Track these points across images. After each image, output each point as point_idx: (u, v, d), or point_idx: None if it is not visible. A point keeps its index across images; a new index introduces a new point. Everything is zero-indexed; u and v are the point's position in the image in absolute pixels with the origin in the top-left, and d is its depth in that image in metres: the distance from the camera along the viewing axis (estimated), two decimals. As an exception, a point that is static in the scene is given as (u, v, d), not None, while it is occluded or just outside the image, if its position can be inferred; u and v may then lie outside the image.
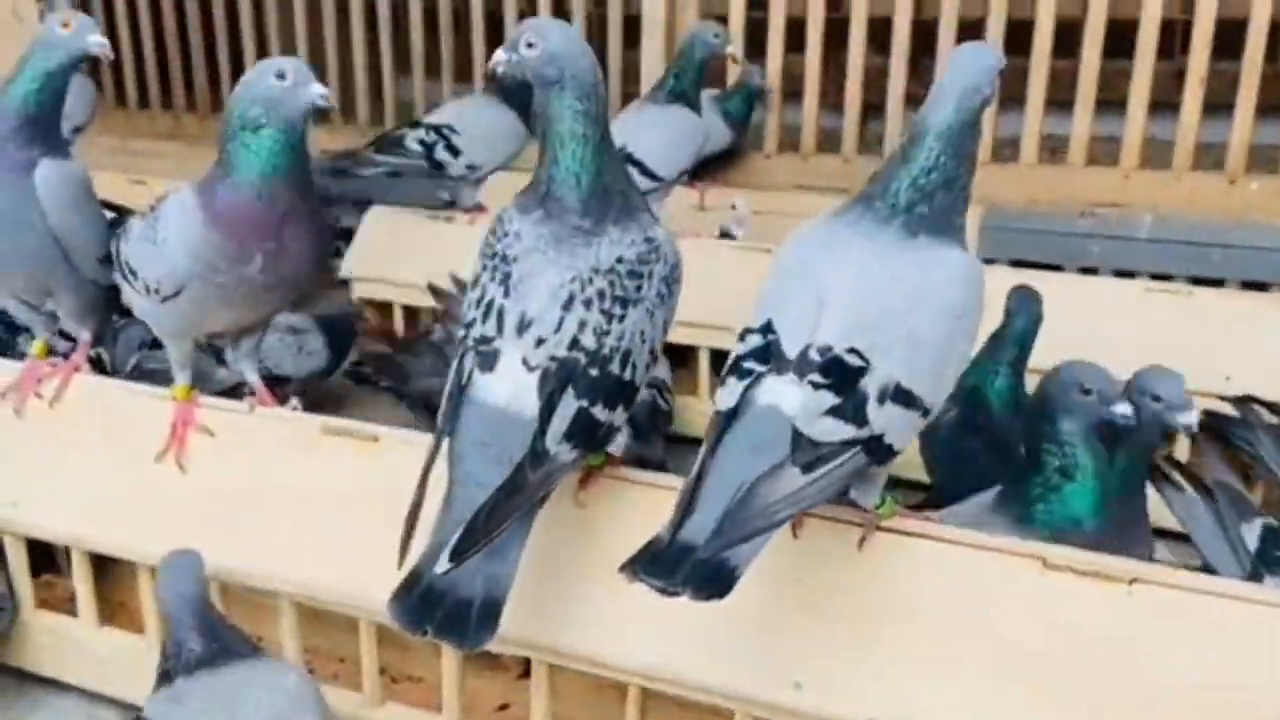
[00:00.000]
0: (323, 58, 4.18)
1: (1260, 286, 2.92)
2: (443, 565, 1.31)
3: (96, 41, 1.82)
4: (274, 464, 1.75)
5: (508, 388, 1.42)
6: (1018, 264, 3.03)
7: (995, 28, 3.38)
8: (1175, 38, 3.65)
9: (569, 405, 1.41)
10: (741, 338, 1.39)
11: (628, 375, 1.46)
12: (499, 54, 1.49)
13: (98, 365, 2.14)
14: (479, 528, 1.31)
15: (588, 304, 1.44)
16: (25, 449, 1.87)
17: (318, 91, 1.63)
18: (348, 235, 3.05)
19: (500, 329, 1.45)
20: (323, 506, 1.70)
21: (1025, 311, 2.04)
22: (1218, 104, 3.15)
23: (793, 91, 3.71)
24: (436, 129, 2.89)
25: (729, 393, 1.34)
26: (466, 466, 1.40)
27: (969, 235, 3.00)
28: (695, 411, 2.63)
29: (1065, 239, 3.03)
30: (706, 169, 3.30)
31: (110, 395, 1.89)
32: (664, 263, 1.51)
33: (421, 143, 2.87)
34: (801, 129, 3.65)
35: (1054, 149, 3.62)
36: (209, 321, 1.80)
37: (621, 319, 1.45)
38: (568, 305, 1.44)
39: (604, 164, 1.49)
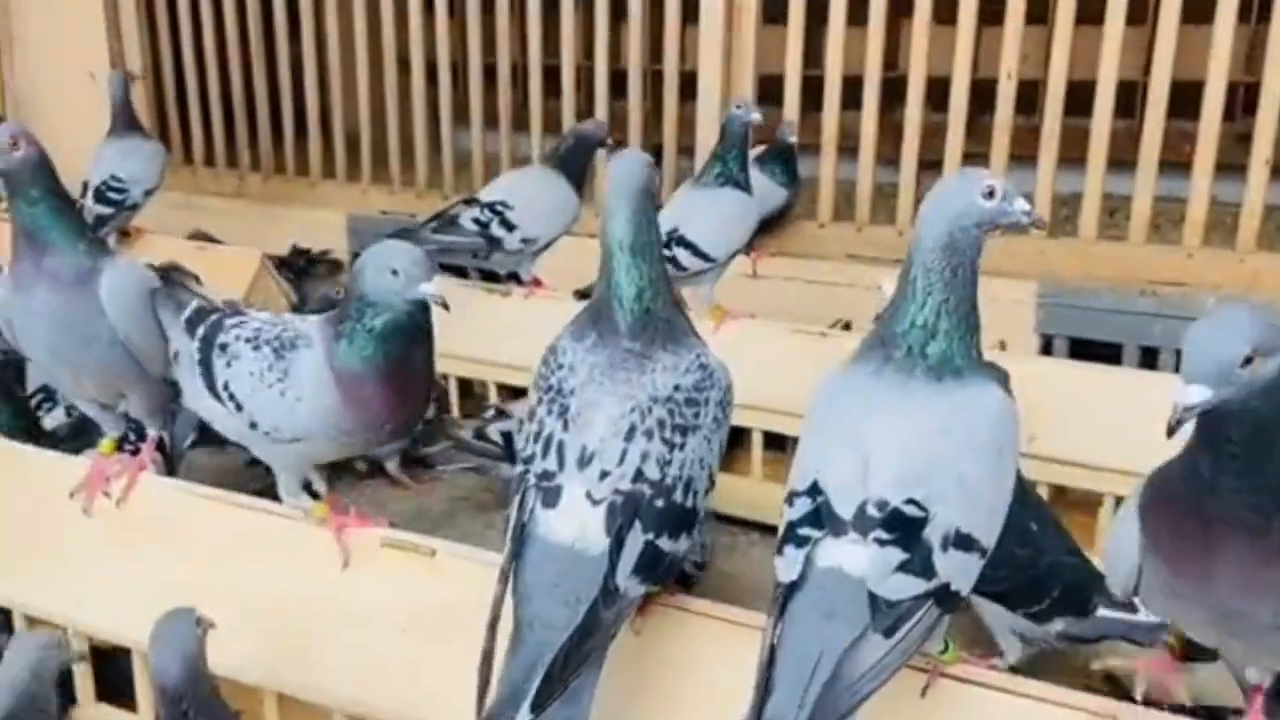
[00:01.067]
0: (383, 111, 4.21)
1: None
2: (524, 717, 1.29)
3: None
4: (332, 573, 1.74)
5: (573, 524, 1.40)
6: (1076, 342, 2.97)
7: (1055, 88, 3.31)
8: (1238, 98, 3.56)
9: (637, 539, 1.39)
10: (789, 501, 1.35)
11: (690, 503, 1.44)
12: None
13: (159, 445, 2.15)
14: (557, 675, 1.30)
15: (649, 434, 1.43)
16: (90, 548, 1.88)
17: (428, 290, 1.60)
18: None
19: (561, 463, 1.43)
20: (379, 619, 1.69)
21: None
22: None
23: (849, 148, 3.67)
24: (490, 206, 2.88)
25: (789, 563, 1.30)
26: (534, 608, 1.38)
27: (1027, 310, 3.02)
28: (748, 495, 2.59)
29: (1126, 317, 2.94)
30: (761, 234, 3.27)
31: (172, 498, 1.89)
32: (718, 388, 1.51)
33: (476, 220, 2.86)
34: (857, 184, 3.58)
35: (1113, 210, 3.55)
36: (316, 458, 1.79)
37: (682, 447, 1.44)
38: (629, 436, 1.42)
39: (653, 288, 1.49)
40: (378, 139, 4.25)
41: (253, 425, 1.70)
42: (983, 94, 3.49)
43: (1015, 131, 3.42)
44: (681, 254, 2.65)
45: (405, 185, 4.18)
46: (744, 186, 2.76)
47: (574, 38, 3.92)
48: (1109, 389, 2.36)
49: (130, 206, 3.33)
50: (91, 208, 3.26)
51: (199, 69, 4.38)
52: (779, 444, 2.66)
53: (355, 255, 3.95)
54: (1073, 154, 3.38)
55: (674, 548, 1.43)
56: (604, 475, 1.41)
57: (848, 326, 3.05)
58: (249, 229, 3.94)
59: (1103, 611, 1.75)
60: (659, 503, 1.40)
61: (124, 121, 3.45)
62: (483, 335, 2.83)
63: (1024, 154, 3.51)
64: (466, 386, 3.06)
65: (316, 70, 4.28)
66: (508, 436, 2.51)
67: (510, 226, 2.87)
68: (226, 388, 1.71)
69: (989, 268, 3.11)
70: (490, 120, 4.14)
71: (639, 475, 1.41)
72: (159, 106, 4.48)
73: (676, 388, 1.45)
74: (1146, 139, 3.17)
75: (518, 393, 2.86)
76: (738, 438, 2.71)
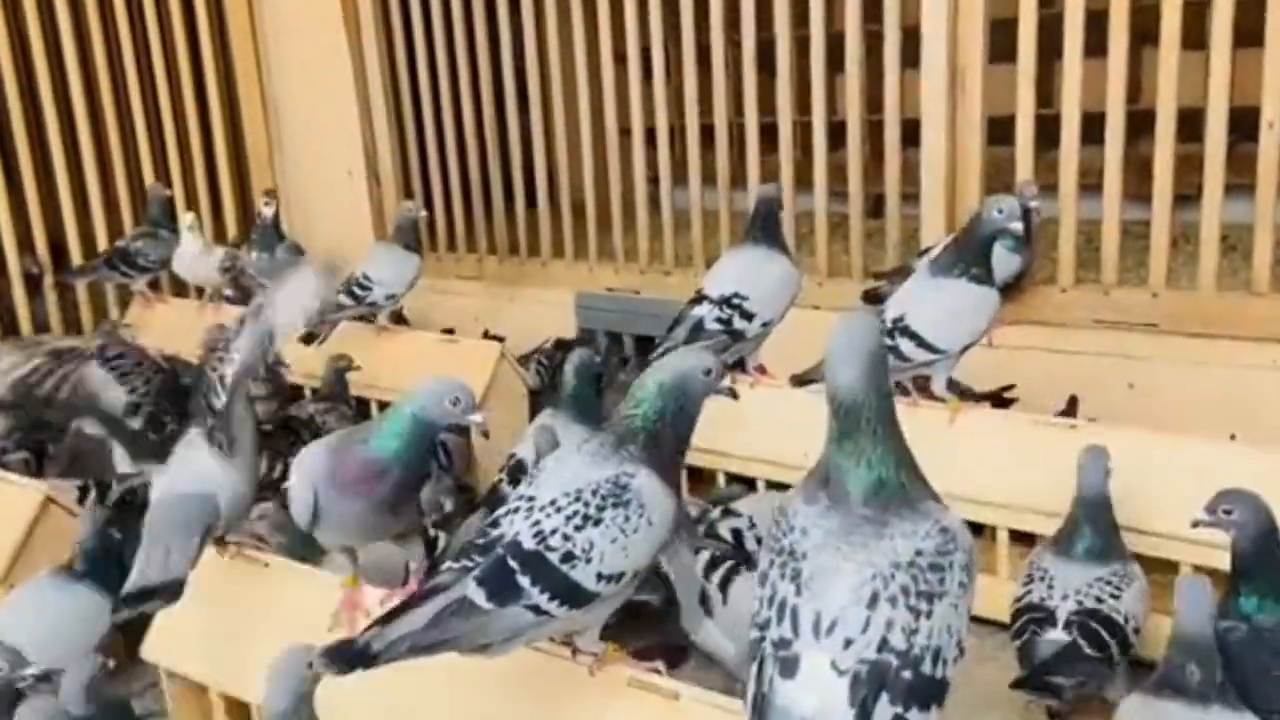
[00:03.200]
0: (606, 174, 4.34)
1: None
2: None
3: (476, 420, 1.95)
4: (580, 710, 1.77)
5: (815, 696, 1.36)
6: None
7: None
8: None
9: (884, 713, 1.34)
10: None
11: (939, 674, 1.38)
12: None
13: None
14: None
15: (893, 601, 1.37)
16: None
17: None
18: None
19: (797, 630, 1.39)
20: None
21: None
22: None
23: (1089, 185, 3.42)
24: (727, 301, 2.85)
25: None
26: None
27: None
28: (991, 593, 2.44)
29: None
30: (997, 299, 3.08)
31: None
32: (962, 550, 1.43)
33: (719, 320, 2.84)
34: (1102, 225, 3.31)
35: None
36: None
37: (929, 615, 1.38)
38: (872, 603, 1.37)
39: (884, 456, 1.43)
40: (601, 203, 4.37)
41: (609, 581, 1.64)
42: (1238, 121, 3.15)
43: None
44: (905, 344, 2.54)
45: (629, 261, 4.28)
46: (986, 280, 2.58)
47: (790, 92, 3.87)
48: None
49: (370, 304, 3.61)
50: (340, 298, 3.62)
51: (440, 159, 4.66)
52: (1026, 540, 2.51)
53: (585, 333, 4.14)
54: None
55: (924, 720, 1.37)
56: (848, 644, 1.36)
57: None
58: (488, 309, 4.16)
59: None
60: (906, 674, 1.35)
61: (399, 233, 3.76)
62: (708, 424, 2.82)
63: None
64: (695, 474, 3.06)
65: (544, 142, 4.46)
66: (737, 534, 2.49)
67: (749, 316, 2.84)
68: (602, 578, 1.62)
69: (1239, 332, 2.75)
70: (708, 178, 4.16)
71: (884, 644, 1.35)
72: (408, 198, 4.78)
73: (919, 553, 1.39)
74: None
75: (740, 479, 2.85)
76: (980, 533, 2.58)
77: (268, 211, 4.07)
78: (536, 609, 1.59)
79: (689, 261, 4.14)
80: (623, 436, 1.72)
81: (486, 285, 4.45)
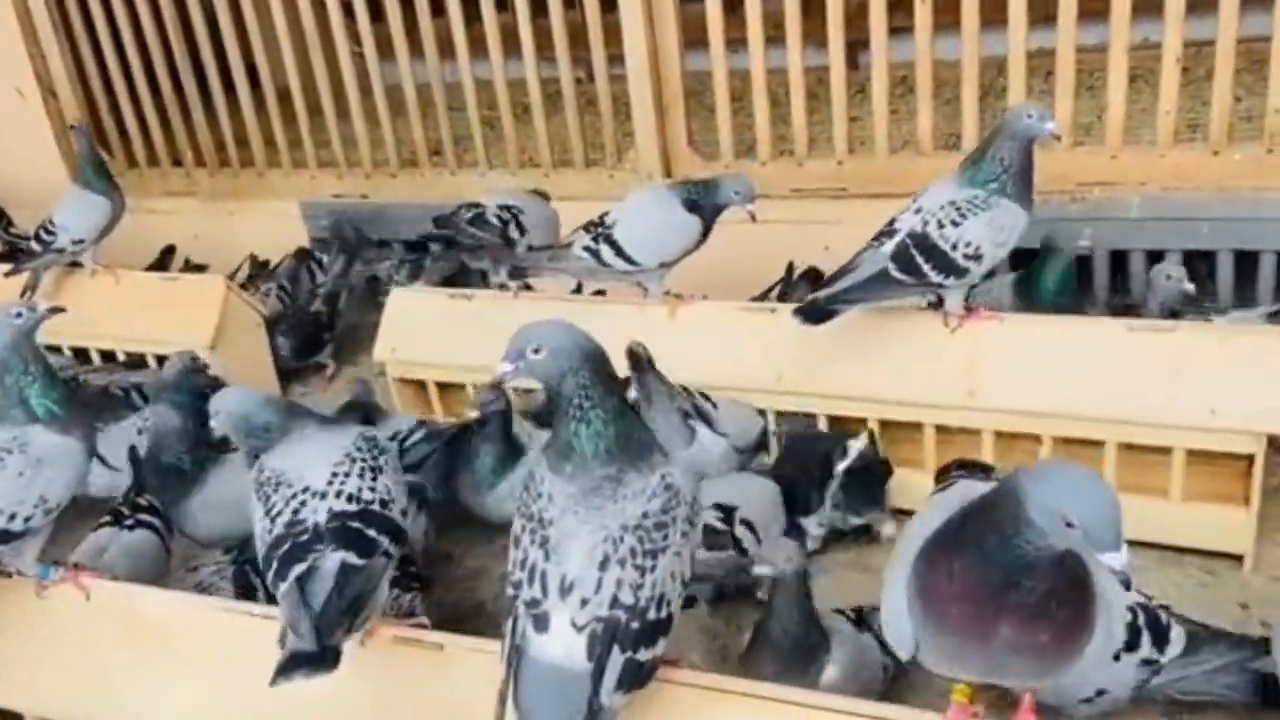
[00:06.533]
0: (306, 51, 4.01)
1: (1251, 256, 2.86)
2: None
3: None
4: (343, 672, 1.73)
5: (560, 648, 1.52)
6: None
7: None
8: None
9: (617, 659, 1.51)
10: None
11: (664, 614, 1.56)
12: (504, 366, 1.55)
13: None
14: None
15: (621, 563, 1.52)
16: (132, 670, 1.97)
17: None
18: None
19: (545, 592, 1.53)
20: (396, 716, 1.78)
21: None
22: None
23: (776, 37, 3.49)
24: (508, 208, 2.91)
25: None
26: None
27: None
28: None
29: (1057, 225, 2.89)
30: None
31: (176, 609, 2.00)
32: (683, 504, 1.59)
33: (498, 219, 2.92)
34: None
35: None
36: None
37: (654, 569, 1.54)
38: (604, 566, 1.52)
39: (618, 424, 1.57)
40: (308, 88, 4.05)
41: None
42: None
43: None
44: (604, 250, 2.62)
45: (352, 166, 4.05)
46: (699, 209, 2.65)
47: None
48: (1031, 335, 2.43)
49: (57, 250, 3.34)
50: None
51: (122, 63, 4.15)
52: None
53: (320, 240, 3.92)
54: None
55: (652, 654, 1.55)
56: (584, 603, 1.51)
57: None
58: (205, 226, 3.87)
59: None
60: (635, 624, 1.51)
61: (84, 173, 3.43)
62: (454, 339, 2.85)
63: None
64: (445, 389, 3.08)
65: (234, 29, 4.03)
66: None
67: (523, 230, 2.93)
68: (404, 514, 1.92)
69: (911, 189, 3.06)
70: (416, 50, 3.94)
71: (615, 602, 1.51)
72: (93, 114, 4.27)
73: (645, 515, 1.54)
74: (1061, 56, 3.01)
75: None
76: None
77: None
78: (387, 554, 1.82)
79: (413, 163, 3.99)
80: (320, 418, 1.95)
81: (202, 201, 4.12)
